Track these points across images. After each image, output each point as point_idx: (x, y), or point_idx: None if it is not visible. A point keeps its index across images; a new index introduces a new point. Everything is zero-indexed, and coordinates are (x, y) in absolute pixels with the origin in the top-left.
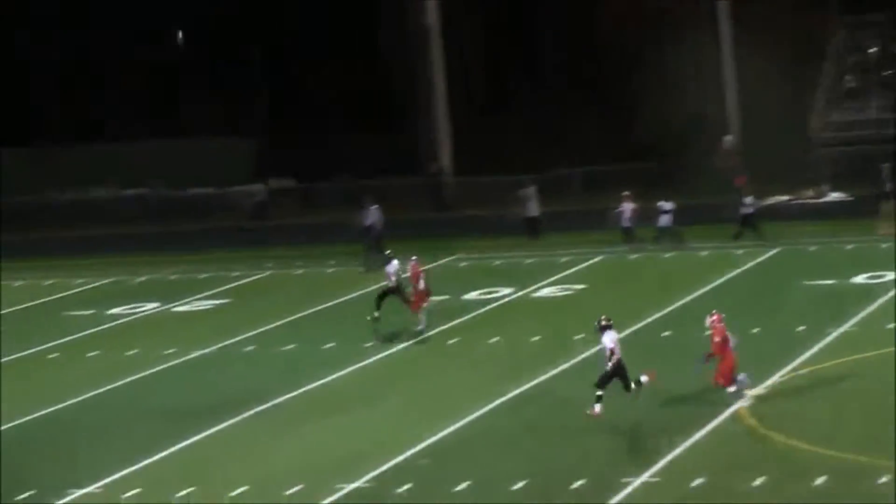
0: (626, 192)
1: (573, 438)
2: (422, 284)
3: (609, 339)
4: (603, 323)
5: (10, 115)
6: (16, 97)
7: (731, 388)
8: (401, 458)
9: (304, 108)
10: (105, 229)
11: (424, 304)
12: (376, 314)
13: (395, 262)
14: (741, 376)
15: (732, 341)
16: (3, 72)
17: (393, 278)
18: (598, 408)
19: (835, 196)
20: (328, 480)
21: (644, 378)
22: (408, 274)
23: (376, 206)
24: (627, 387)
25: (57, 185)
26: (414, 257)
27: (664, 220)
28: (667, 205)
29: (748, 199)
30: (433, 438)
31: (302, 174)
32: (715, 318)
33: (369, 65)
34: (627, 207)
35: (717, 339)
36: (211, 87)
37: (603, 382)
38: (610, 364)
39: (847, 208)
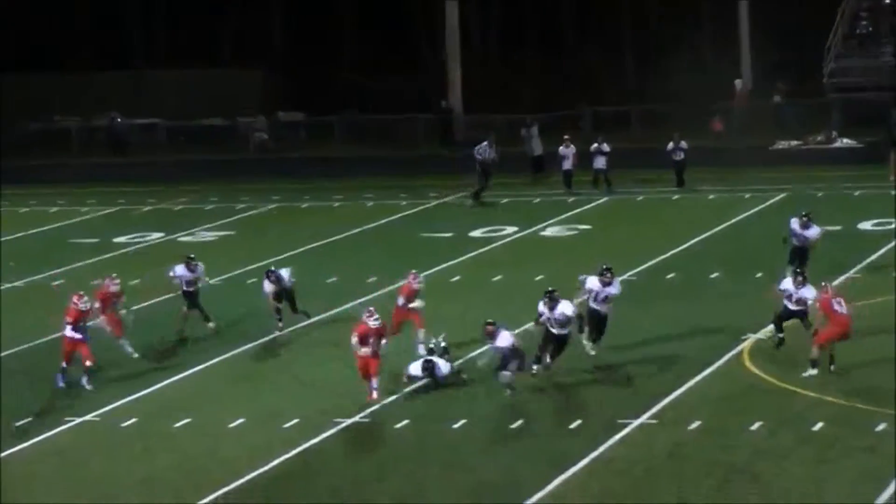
0: (566, 136)
1: (588, 376)
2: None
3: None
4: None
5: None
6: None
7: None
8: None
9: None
10: (111, 157)
11: None
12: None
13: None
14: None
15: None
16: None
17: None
18: None
19: (845, 142)
20: (328, 412)
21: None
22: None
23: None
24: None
25: (66, 111)
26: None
27: (600, 161)
28: (604, 146)
29: (683, 144)
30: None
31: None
32: None
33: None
34: (569, 152)
35: None
36: (224, 16)
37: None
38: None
39: (857, 155)
